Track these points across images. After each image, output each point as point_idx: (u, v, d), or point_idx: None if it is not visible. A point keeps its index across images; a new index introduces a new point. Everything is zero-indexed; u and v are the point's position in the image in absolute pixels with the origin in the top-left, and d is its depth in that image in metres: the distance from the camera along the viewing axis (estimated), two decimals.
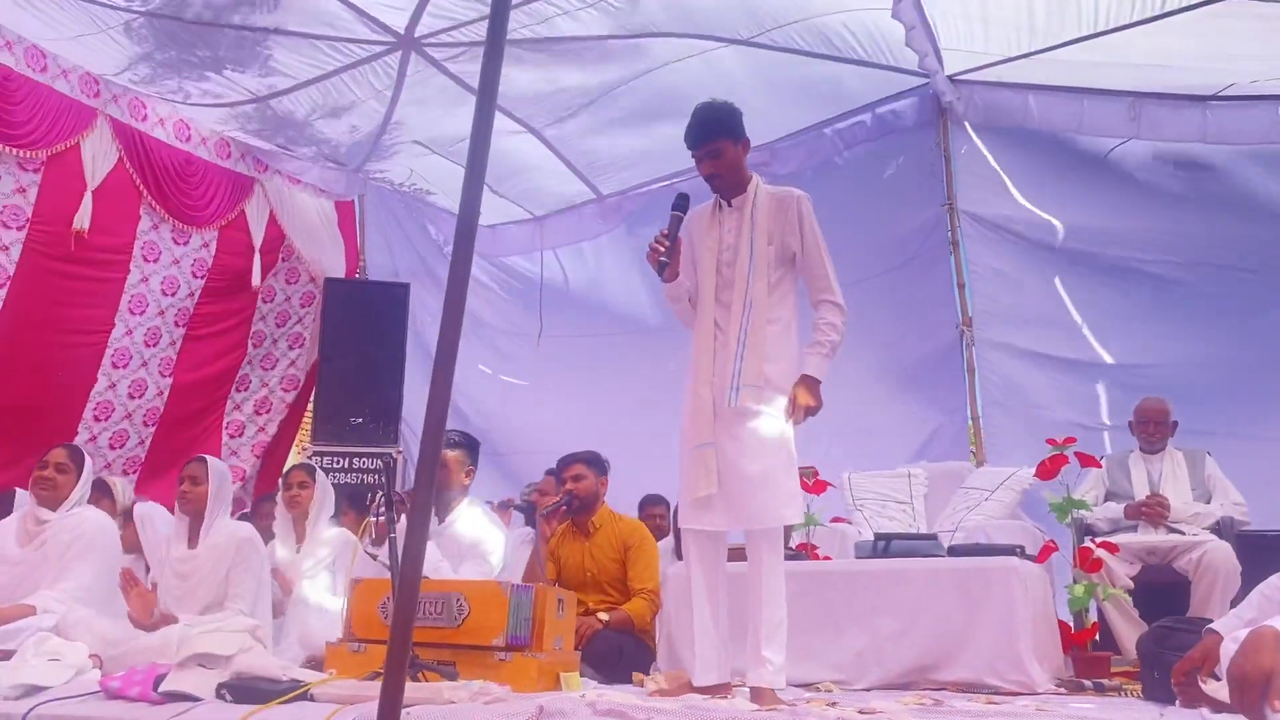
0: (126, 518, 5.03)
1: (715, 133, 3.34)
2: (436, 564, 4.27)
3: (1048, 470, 4.34)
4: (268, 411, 7.67)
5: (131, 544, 4.81)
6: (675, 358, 6.81)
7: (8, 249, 5.84)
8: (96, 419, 6.55)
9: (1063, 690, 3.66)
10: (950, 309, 6.76)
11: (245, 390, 7.54)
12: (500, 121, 6.67)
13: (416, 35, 6.09)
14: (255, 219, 7.31)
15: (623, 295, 8.12)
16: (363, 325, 7.36)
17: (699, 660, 3.27)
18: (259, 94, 6.55)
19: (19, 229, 5.87)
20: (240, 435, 7.52)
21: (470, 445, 4.84)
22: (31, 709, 2.70)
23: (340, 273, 7.87)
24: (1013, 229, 6.69)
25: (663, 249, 3.28)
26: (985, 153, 6.76)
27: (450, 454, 4.57)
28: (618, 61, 6.40)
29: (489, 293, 8.51)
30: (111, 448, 6.68)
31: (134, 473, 6.78)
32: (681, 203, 3.37)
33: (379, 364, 7.24)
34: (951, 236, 6.82)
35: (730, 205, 3.40)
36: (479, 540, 4.56)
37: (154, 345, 6.78)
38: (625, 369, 7.71)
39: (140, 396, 6.77)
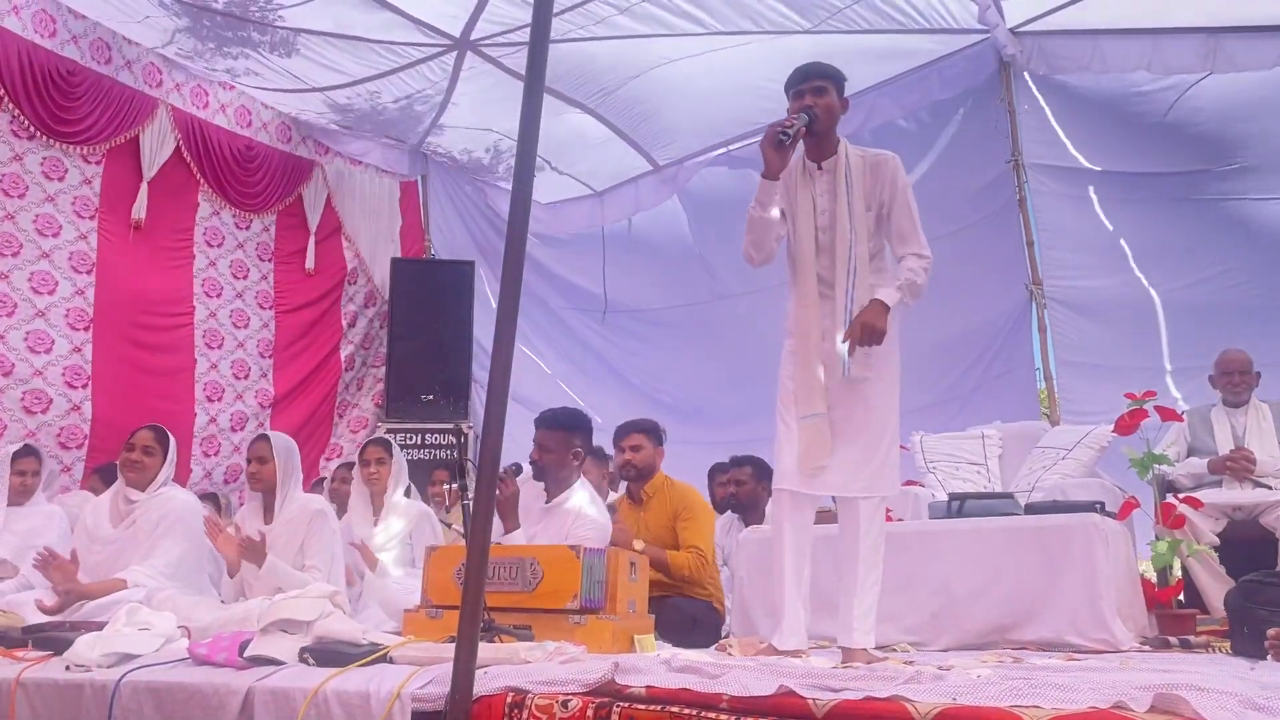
0: (209, 500, 5.20)
1: (825, 71, 3.30)
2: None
3: (1127, 425, 4.22)
4: (361, 389, 7.83)
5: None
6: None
7: (86, 237, 6.05)
8: (209, 400, 6.73)
9: (1147, 648, 3.58)
10: (1020, 268, 6.62)
11: (351, 370, 7.70)
12: (553, 103, 6.70)
13: (473, 38, 6.17)
14: (311, 203, 7.45)
15: (682, 264, 8.13)
16: (431, 303, 7.46)
17: (786, 621, 3.21)
18: (318, 85, 6.67)
19: (90, 218, 6.07)
20: (345, 414, 7.69)
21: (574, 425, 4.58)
22: (124, 675, 2.79)
23: (395, 253, 7.96)
24: (1079, 184, 6.53)
25: (791, 124, 3.11)
26: (1044, 106, 6.59)
27: (549, 434, 4.05)
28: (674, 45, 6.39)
29: (552, 269, 8.56)
30: (233, 430, 6.86)
31: None
32: (812, 113, 3.20)
33: (447, 341, 7.35)
34: (1019, 193, 6.66)
35: (821, 168, 3.30)
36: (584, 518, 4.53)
37: (244, 327, 6.95)
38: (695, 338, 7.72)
39: (245, 378, 6.95)
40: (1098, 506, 3.89)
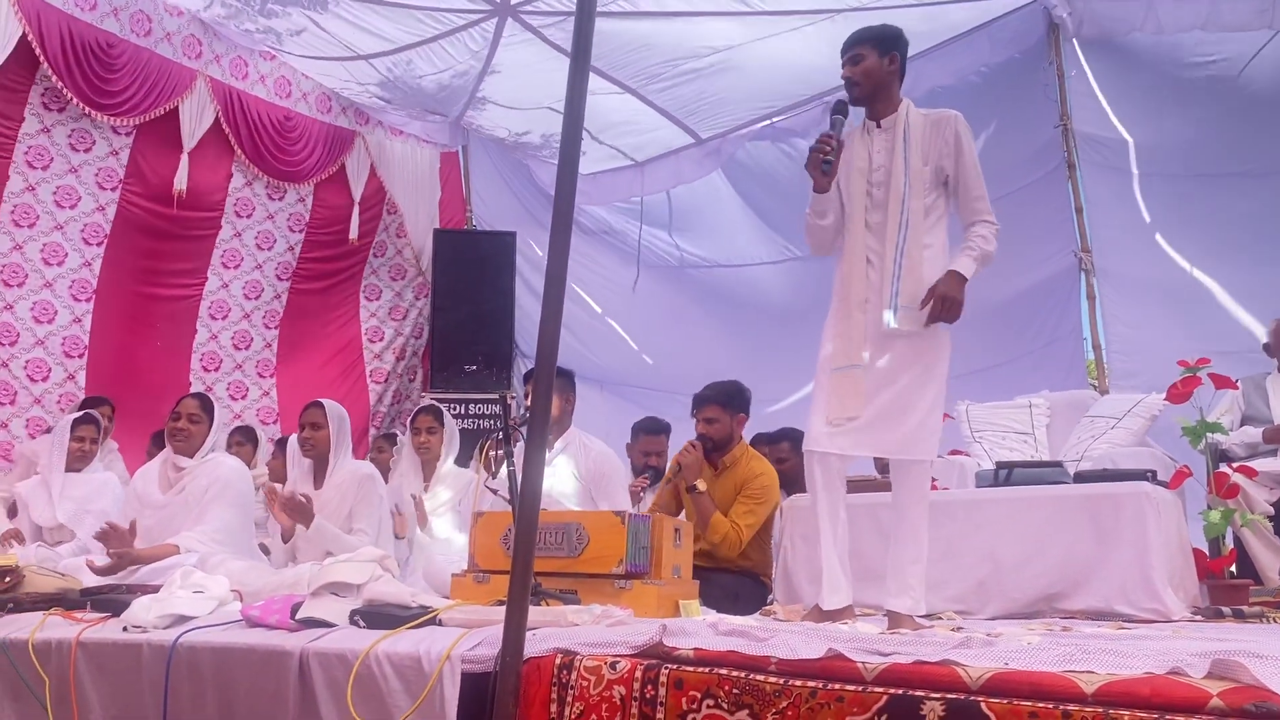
0: (280, 447, 5.30)
1: (861, 38, 3.30)
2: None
3: (1179, 393, 4.15)
4: (404, 359, 7.89)
5: (278, 474, 5.09)
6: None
7: (104, 209, 6.17)
8: (205, 369, 6.84)
9: (1199, 618, 3.54)
10: (1068, 235, 6.51)
11: (381, 341, 7.77)
12: (595, 82, 6.68)
13: (513, 3, 6.13)
14: (355, 173, 7.50)
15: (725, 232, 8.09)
16: (472, 274, 7.49)
17: (826, 583, 3.21)
18: (360, 52, 6.67)
19: (112, 189, 6.18)
20: (383, 382, 7.76)
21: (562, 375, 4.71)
22: (180, 636, 2.84)
23: (436, 224, 7.99)
24: (1127, 149, 6.40)
25: (829, 148, 3.16)
26: (1089, 73, 6.46)
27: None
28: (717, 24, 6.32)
29: (588, 239, 8.55)
30: (232, 399, 6.96)
31: (270, 423, 7.06)
32: (842, 107, 3.25)
33: (489, 311, 7.38)
34: (1068, 159, 6.54)
35: (880, 126, 3.28)
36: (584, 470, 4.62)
37: (255, 298, 7.02)
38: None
39: (246, 348, 7.04)
40: (1149, 475, 3.84)
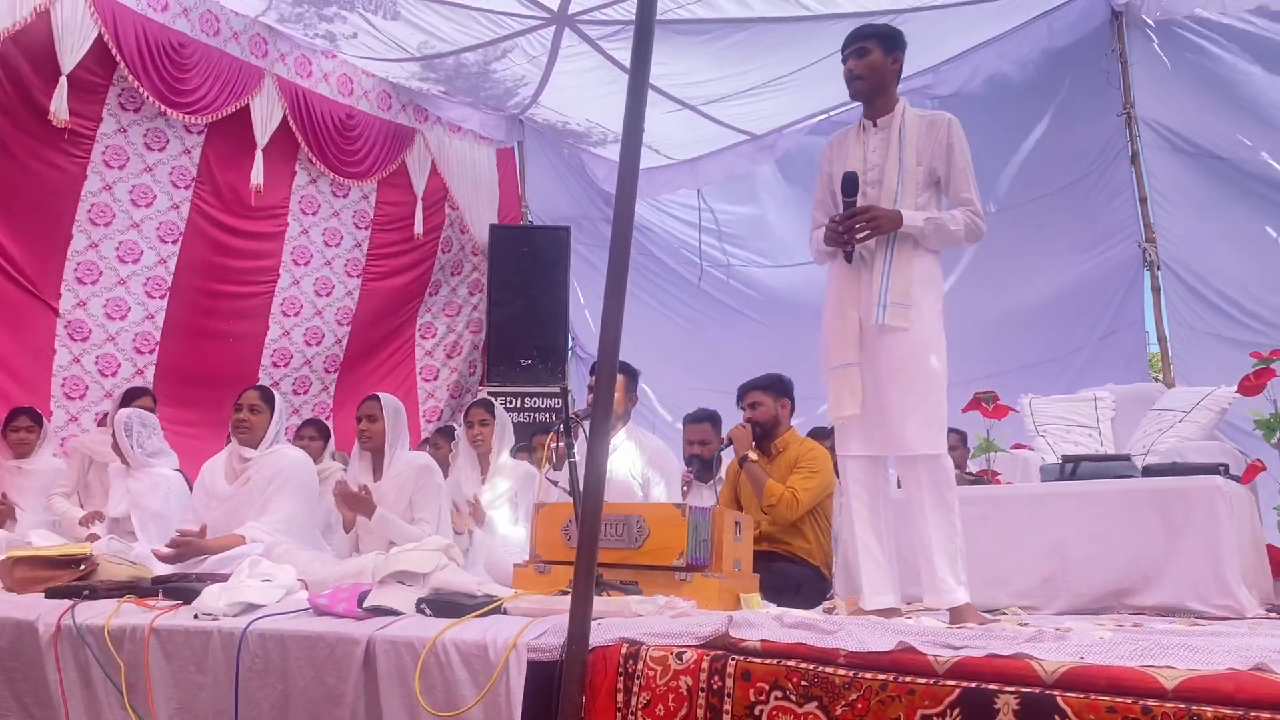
0: None
1: (866, 33, 3.32)
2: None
3: (1252, 385, 4.05)
4: (459, 354, 7.95)
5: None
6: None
7: (178, 207, 6.30)
8: (275, 365, 6.95)
9: (1274, 615, 3.45)
10: (1131, 224, 6.38)
11: (433, 337, 7.84)
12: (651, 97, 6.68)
13: (570, 12, 6.14)
14: (416, 169, 7.57)
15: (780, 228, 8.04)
16: (528, 269, 7.54)
17: (866, 584, 3.26)
18: (417, 52, 6.73)
19: (185, 188, 6.30)
20: (435, 379, 7.83)
21: (625, 372, 4.78)
22: (250, 624, 2.90)
23: (493, 220, 8.04)
24: (1195, 136, 6.24)
25: (846, 238, 3.17)
26: (1163, 47, 6.30)
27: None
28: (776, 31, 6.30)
29: (648, 235, 8.55)
30: (295, 394, 7.06)
31: (326, 417, 7.16)
32: (850, 187, 3.22)
33: (545, 306, 7.42)
34: (1131, 147, 6.41)
35: (876, 125, 3.30)
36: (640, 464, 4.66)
37: (326, 295, 7.11)
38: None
39: (317, 344, 7.14)
40: (1221, 469, 3.75)
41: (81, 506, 5.12)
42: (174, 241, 6.36)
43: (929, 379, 3.16)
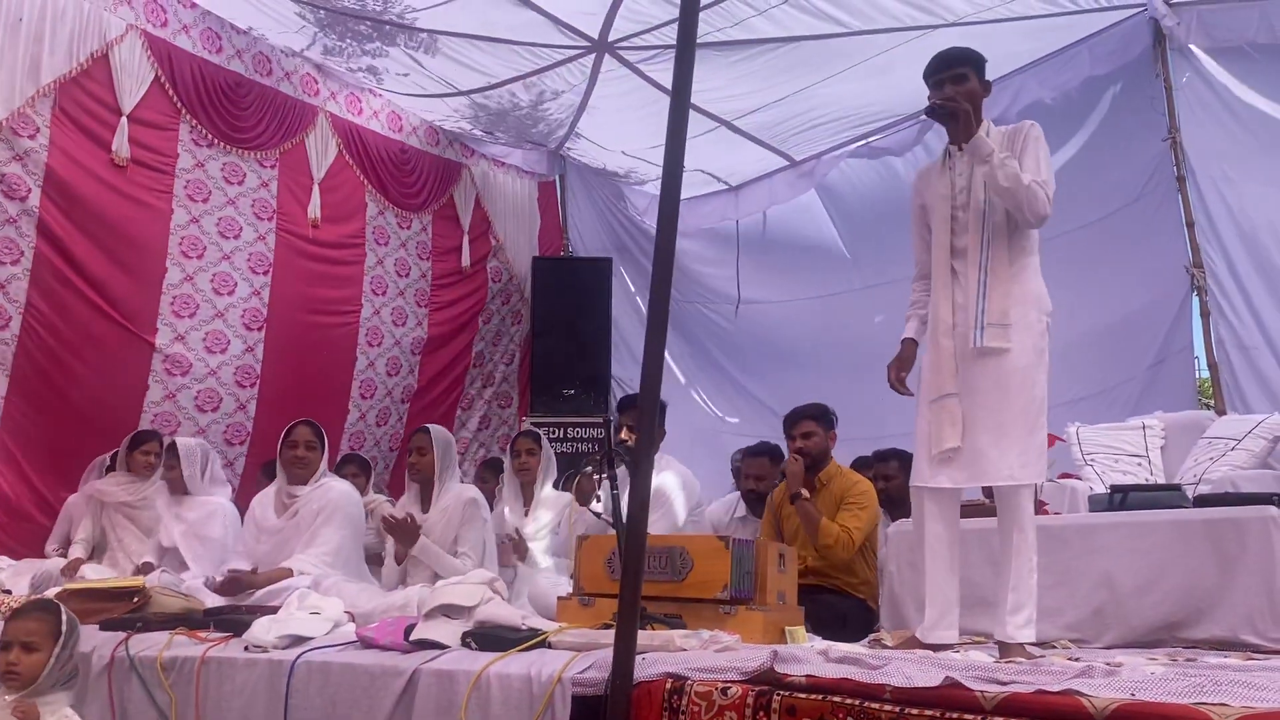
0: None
1: (962, 58, 3.30)
2: None
3: None
4: (493, 385, 8.02)
5: None
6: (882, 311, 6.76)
7: (264, 238, 6.37)
8: (363, 397, 7.00)
9: None
10: (1179, 251, 6.28)
11: (480, 366, 7.90)
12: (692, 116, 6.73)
13: (610, 40, 6.22)
14: (463, 203, 7.69)
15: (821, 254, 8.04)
16: (570, 300, 7.60)
17: (929, 618, 3.20)
18: (461, 88, 6.84)
19: (269, 219, 6.40)
20: (470, 409, 7.89)
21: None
22: (299, 656, 2.94)
23: (534, 252, 8.11)
24: (1245, 160, 6.15)
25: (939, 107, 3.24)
26: (1210, 72, 6.23)
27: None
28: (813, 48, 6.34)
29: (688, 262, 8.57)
30: (377, 425, 7.13)
31: (395, 449, 7.22)
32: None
33: (587, 337, 7.46)
34: (1177, 172, 6.32)
35: (961, 150, 3.28)
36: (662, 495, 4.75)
37: (402, 325, 7.21)
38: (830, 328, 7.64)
39: (396, 375, 7.22)
40: (1275, 499, 3.67)
41: (91, 555, 4.99)
42: (265, 273, 6.37)
43: (1033, 402, 3.12)
